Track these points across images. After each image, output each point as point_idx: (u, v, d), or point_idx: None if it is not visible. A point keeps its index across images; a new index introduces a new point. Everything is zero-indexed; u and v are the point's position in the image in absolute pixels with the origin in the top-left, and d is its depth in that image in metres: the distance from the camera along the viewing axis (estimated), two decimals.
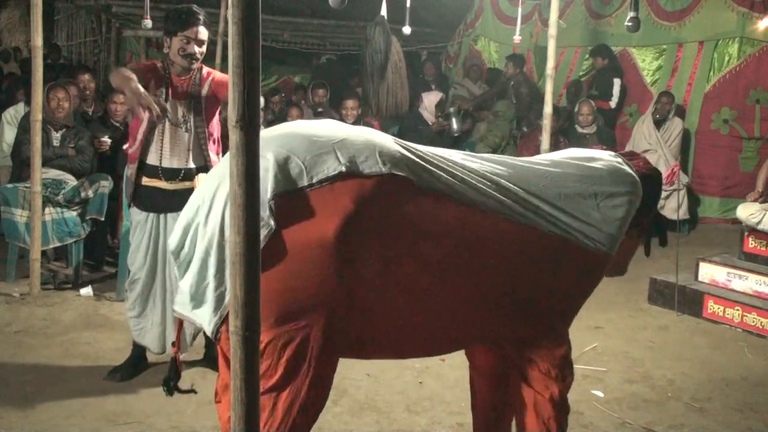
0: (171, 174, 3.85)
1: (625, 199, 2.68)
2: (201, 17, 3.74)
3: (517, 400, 2.68)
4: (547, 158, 2.77)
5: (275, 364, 2.18)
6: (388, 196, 2.25)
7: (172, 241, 2.36)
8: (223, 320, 2.18)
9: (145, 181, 3.87)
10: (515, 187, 2.49)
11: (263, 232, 2.08)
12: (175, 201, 3.85)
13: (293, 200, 2.16)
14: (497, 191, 2.44)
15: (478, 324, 2.50)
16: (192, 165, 3.88)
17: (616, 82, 8.47)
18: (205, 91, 3.86)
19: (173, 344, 2.60)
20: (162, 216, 3.89)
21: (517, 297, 2.48)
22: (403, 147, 2.37)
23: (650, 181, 2.81)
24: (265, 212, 2.10)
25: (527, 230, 2.46)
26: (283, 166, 2.18)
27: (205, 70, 3.93)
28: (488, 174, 2.48)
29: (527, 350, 2.60)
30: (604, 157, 2.79)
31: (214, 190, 2.25)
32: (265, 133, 2.37)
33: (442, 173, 2.37)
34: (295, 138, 2.28)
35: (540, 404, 2.61)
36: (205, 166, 3.89)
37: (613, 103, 8.49)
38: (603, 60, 8.58)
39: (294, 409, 2.20)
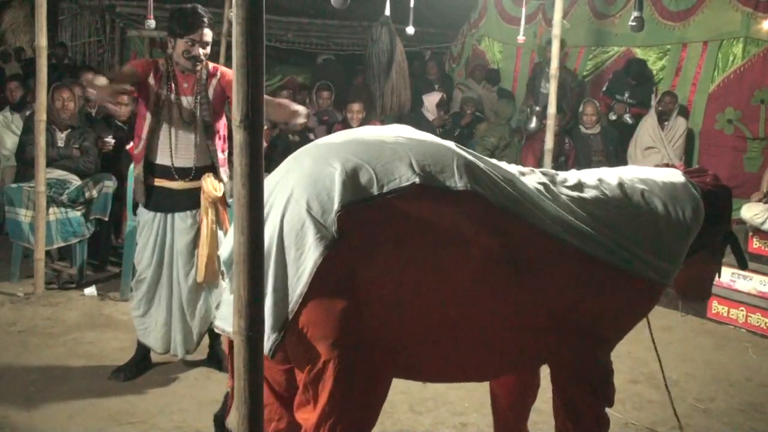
0: (182, 173, 3.84)
1: (685, 226, 2.54)
2: (206, 19, 3.73)
3: (558, 413, 2.62)
4: (611, 175, 2.63)
5: (335, 386, 2.06)
6: (463, 215, 2.13)
7: (225, 251, 2.22)
8: (283, 338, 2.04)
9: (155, 181, 3.86)
10: (580, 211, 2.39)
11: (323, 244, 1.99)
12: (183, 201, 3.86)
13: (362, 211, 2.05)
14: (562, 213, 2.34)
15: (530, 346, 2.41)
16: (199, 164, 3.87)
17: (654, 90, 8.38)
18: (212, 88, 3.85)
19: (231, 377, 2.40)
20: (169, 216, 3.88)
21: (565, 321, 2.37)
22: (472, 156, 2.26)
23: (715, 198, 2.66)
24: (330, 223, 2.00)
25: (586, 256, 2.35)
26: (351, 174, 2.06)
27: (212, 65, 3.91)
28: (552, 192, 2.39)
29: (568, 371, 2.53)
30: (666, 178, 2.64)
31: (268, 197, 2.08)
32: (331, 139, 2.29)
33: (511, 191, 2.26)
34: (364, 144, 2.19)
35: (580, 419, 2.56)
36: (212, 165, 3.90)
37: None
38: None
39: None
